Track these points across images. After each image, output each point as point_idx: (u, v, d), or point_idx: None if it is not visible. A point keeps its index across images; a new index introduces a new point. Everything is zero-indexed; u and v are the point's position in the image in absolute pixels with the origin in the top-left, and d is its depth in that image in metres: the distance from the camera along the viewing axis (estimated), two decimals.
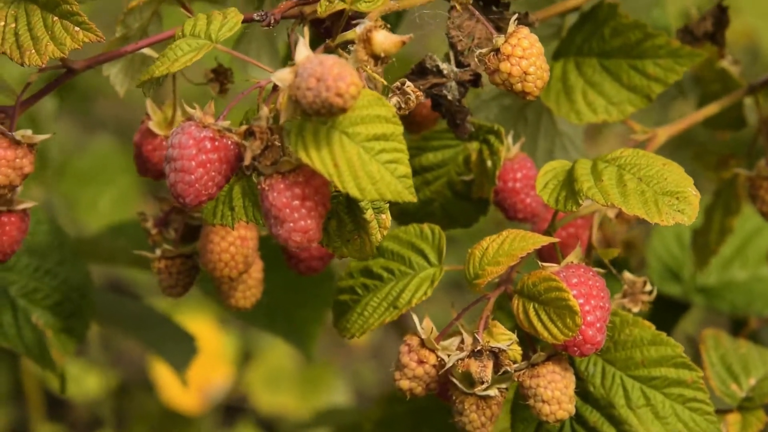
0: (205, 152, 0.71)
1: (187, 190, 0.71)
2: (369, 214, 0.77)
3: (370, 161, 0.70)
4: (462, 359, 0.82)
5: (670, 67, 0.94)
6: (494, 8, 0.85)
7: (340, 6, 0.76)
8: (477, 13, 0.84)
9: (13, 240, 0.81)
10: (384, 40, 0.72)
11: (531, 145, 1.05)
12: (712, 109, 1.01)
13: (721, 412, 0.93)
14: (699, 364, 0.87)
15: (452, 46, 0.85)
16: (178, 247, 0.92)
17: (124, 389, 2.34)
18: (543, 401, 0.83)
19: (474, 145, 0.94)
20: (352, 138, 0.70)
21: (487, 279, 0.83)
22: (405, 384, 0.84)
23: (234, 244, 0.89)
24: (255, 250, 0.91)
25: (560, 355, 0.84)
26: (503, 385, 0.83)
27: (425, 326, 0.84)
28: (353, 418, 1.56)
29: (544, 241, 0.83)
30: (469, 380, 0.82)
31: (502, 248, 0.83)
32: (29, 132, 0.78)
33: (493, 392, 0.82)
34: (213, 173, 0.71)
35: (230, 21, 0.75)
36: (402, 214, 0.97)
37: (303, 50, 0.69)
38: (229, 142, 0.72)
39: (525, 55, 0.80)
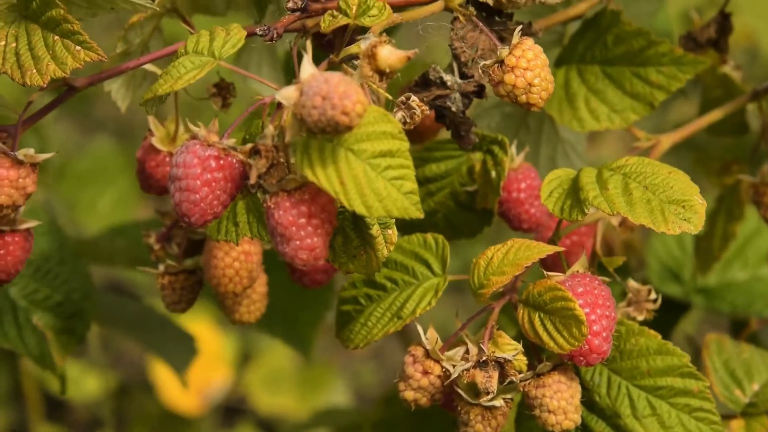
0: (210, 171, 0.71)
1: (192, 210, 0.71)
2: (375, 230, 0.76)
3: (377, 178, 0.70)
4: (467, 370, 0.82)
5: (673, 75, 0.94)
6: (497, 19, 0.85)
7: (343, 21, 0.75)
8: (480, 24, 0.83)
9: (17, 260, 0.81)
10: (389, 55, 0.72)
11: (533, 152, 1.05)
12: (715, 115, 1.01)
13: (725, 418, 0.94)
14: (700, 368, 0.87)
15: (456, 57, 0.85)
16: (181, 262, 0.91)
17: (124, 390, 2.34)
18: (549, 411, 0.83)
19: (478, 156, 0.94)
20: (358, 155, 0.70)
21: (492, 289, 0.83)
22: (410, 395, 0.84)
23: (238, 259, 0.88)
24: (259, 264, 0.91)
25: (566, 364, 0.84)
26: (509, 396, 0.83)
27: (430, 337, 0.84)
28: (353, 419, 1.56)
29: (549, 250, 0.83)
30: (475, 391, 0.82)
31: (507, 258, 0.83)
32: (31, 151, 0.77)
33: (498, 403, 0.82)
34: (218, 192, 0.71)
35: (233, 38, 0.74)
36: (405, 225, 0.96)
37: (308, 68, 0.69)
38: (234, 161, 0.72)
39: (530, 66, 0.80)
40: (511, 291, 0.86)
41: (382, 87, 0.74)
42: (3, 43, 0.75)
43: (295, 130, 0.70)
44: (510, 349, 0.83)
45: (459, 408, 0.83)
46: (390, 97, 0.77)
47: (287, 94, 0.69)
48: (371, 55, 0.72)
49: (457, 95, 0.85)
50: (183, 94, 0.88)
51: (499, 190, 0.92)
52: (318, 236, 0.70)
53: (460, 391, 0.82)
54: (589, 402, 0.86)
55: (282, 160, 0.71)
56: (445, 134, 0.93)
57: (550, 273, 0.84)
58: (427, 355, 0.84)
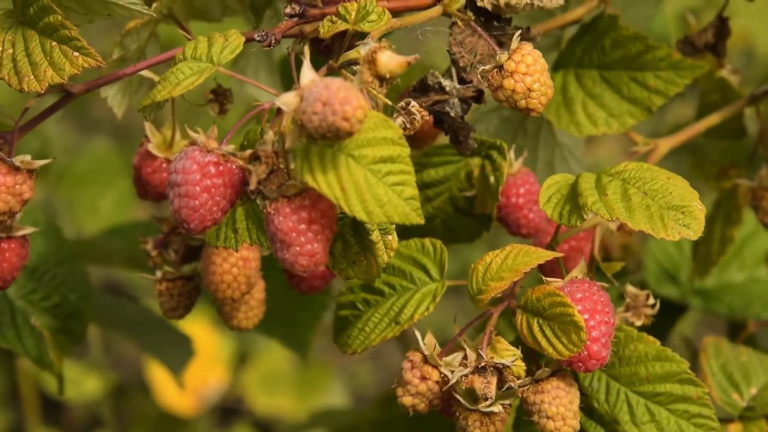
0: (209, 177, 0.70)
1: (191, 216, 0.70)
2: (375, 236, 0.76)
3: (377, 184, 0.69)
4: (465, 375, 0.82)
5: (670, 80, 0.93)
6: (496, 24, 0.84)
7: (342, 26, 0.75)
8: (479, 29, 0.83)
9: (13, 266, 0.80)
10: (389, 61, 0.71)
11: (531, 156, 1.05)
12: (713, 119, 1.00)
13: (723, 422, 0.93)
14: (698, 371, 0.87)
15: (454, 62, 0.85)
16: (178, 268, 0.91)
17: (121, 391, 2.33)
18: (547, 417, 0.83)
19: (476, 161, 0.94)
20: (359, 161, 0.69)
21: (490, 295, 0.82)
22: (408, 400, 0.84)
23: (236, 265, 0.88)
24: (257, 271, 0.91)
25: (564, 370, 0.83)
26: (507, 401, 0.82)
27: (428, 342, 0.84)
28: (350, 420, 1.56)
29: (548, 256, 0.83)
30: (473, 396, 0.82)
31: (505, 263, 0.83)
32: (28, 158, 0.77)
33: (496, 408, 0.82)
34: (218, 198, 0.71)
35: (232, 43, 0.74)
36: (403, 231, 0.96)
37: (308, 73, 0.69)
38: (234, 167, 0.71)
39: (529, 71, 0.80)
40: (510, 296, 0.86)
41: (381, 92, 0.73)
42: (0, 49, 0.74)
43: (295, 136, 0.69)
44: (508, 355, 0.82)
45: (457, 414, 0.83)
46: (390, 103, 0.76)
47: (287, 100, 0.69)
48: (371, 61, 0.72)
49: (456, 100, 0.85)
50: (180, 101, 0.88)
51: (498, 195, 0.92)
52: (318, 242, 0.70)
53: (458, 396, 0.82)
54: (587, 408, 0.86)
55: (282, 166, 0.71)
56: (443, 139, 0.93)
57: (548, 278, 0.83)
58: (425, 360, 0.84)
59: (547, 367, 0.84)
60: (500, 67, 0.81)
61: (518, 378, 0.83)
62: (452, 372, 0.82)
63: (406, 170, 0.70)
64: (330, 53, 0.81)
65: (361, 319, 0.87)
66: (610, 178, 0.83)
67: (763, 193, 1.00)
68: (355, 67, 0.74)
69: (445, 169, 0.95)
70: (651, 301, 0.91)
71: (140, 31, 0.84)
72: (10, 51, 0.74)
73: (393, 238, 0.77)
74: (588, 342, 0.80)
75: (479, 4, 0.83)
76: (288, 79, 0.77)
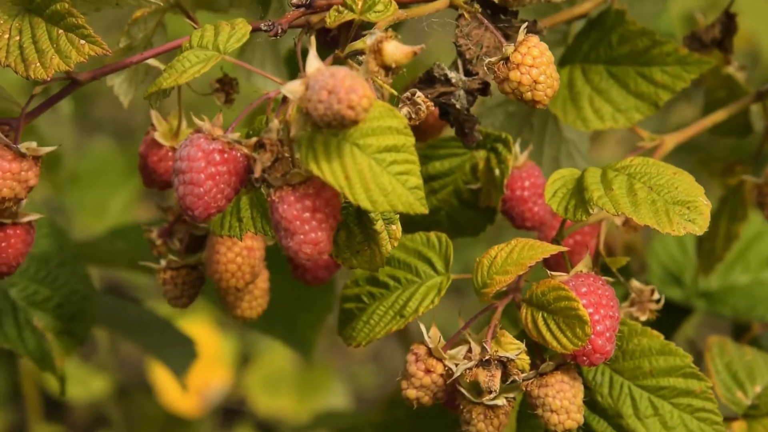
0: (214, 164, 0.70)
1: (196, 203, 0.71)
2: (379, 225, 0.76)
3: (382, 173, 0.69)
4: (470, 368, 0.82)
5: (677, 75, 0.93)
6: (503, 16, 0.84)
7: (349, 16, 0.75)
8: (486, 21, 0.83)
9: (18, 252, 0.80)
10: (395, 50, 0.72)
11: (536, 151, 1.05)
12: (719, 115, 1.00)
13: (727, 420, 0.93)
14: (703, 371, 0.87)
15: (460, 54, 0.85)
16: (182, 257, 0.91)
17: (123, 392, 2.33)
18: (551, 411, 0.82)
19: (481, 154, 0.93)
20: (363, 150, 0.69)
21: (495, 288, 0.82)
22: (412, 393, 0.84)
23: (240, 254, 0.88)
24: (261, 260, 0.91)
25: (569, 364, 0.83)
26: (511, 395, 0.82)
27: (432, 335, 0.84)
28: (353, 421, 1.56)
29: (553, 249, 0.82)
30: (477, 389, 0.82)
31: (510, 257, 0.82)
32: (34, 144, 0.77)
33: (501, 402, 0.81)
34: (222, 186, 0.71)
35: (238, 32, 0.74)
36: (408, 223, 0.96)
37: (314, 62, 0.69)
38: (239, 154, 0.71)
39: (535, 63, 0.80)
40: (515, 290, 0.86)
41: (387, 82, 0.73)
42: (7, 36, 0.74)
43: (301, 125, 0.69)
44: (513, 349, 0.82)
45: (461, 407, 0.83)
46: (395, 93, 0.76)
47: (293, 88, 0.69)
48: (377, 51, 0.72)
49: (462, 92, 0.85)
50: (186, 91, 0.88)
51: (503, 188, 0.92)
52: (322, 230, 0.70)
53: (462, 389, 0.82)
54: (591, 402, 0.86)
55: (287, 154, 0.71)
56: (449, 132, 0.93)
57: (553, 273, 0.83)
58: (430, 353, 0.83)
59: (551, 360, 0.83)
60: (506, 59, 0.81)
61: (522, 371, 0.83)
62: (456, 365, 0.82)
63: (410, 159, 0.70)
64: (336, 45, 0.81)
65: (366, 312, 0.87)
66: (616, 173, 0.83)
67: None
68: (360, 57, 0.74)
69: (451, 162, 0.95)
70: (656, 296, 0.91)
71: (147, 20, 0.84)
72: (17, 38, 0.74)
73: (397, 228, 0.76)
74: (592, 336, 0.80)
75: None
76: (294, 72, 0.77)
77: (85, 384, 2.20)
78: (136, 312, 1.41)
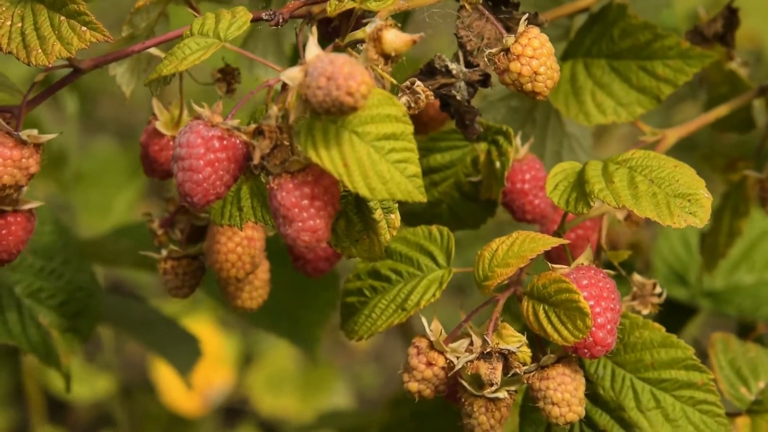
0: (213, 151, 0.70)
1: (195, 190, 0.71)
2: (378, 214, 0.76)
3: (380, 161, 0.69)
4: (471, 361, 0.81)
5: (679, 68, 0.93)
6: (504, 8, 0.84)
7: (349, 5, 0.75)
8: (487, 12, 0.83)
9: (19, 240, 0.81)
10: (394, 39, 0.72)
11: (539, 146, 1.05)
12: (721, 111, 1.00)
13: (731, 415, 0.93)
14: (707, 367, 0.87)
15: (461, 45, 0.85)
16: (184, 247, 0.91)
17: (126, 392, 2.33)
18: (553, 403, 0.82)
19: (482, 146, 0.93)
20: (362, 137, 0.69)
21: (496, 281, 0.82)
22: (414, 386, 0.84)
23: (241, 244, 0.88)
24: (262, 250, 0.91)
25: (570, 357, 0.83)
26: (512, 388, 0.82)
27: (434, 328, 0.84)
28: (357, 421, 1.56)
29: (554, 242, 0.82)
30: (478, 382, 0.82)
31: (511, 250, 0.82)
32: (35, 132, 0.77)
33: (502, 394, 0.81)
34: (221, 172, 0.71)
35: (239, 20, 0.74)
36: (409, 215, 0.96)
37: (313, 49, 0.69)
38: (238, 141, 0.71)
39: (535, 54, 0.80)
40: (516, 283, 0.86)
41: (386, 71, 0.73)
42: (9, 23, 0.75)
43: (300, 111, 0.69)
44: (514, 341, 0.82)
45: (463, 399, 0.83)
46: (395, 82, 0.76)
47: (292, 75, 0.69)
48: (376, 39, 0.72)
49: (462, 84, 0.85)
50: (189, 82, 0.88)
51: (504, 180, 0.92)
52: (320, 218, 0.70)
53: (463, 382, 0.82)
54: (593, 395, 0.85)
55: (286, 141, 0.71)
56: (450, 125, 0.93)
57: (554, 265, 0.83)
58: (431, 346, 0.83)
59: (552, 353, 0.83)
60: (507, 51, 0.81)
61: (524, 364, 0.82)
62: (458, 358, 0.82)
63: (409, 147, 0.70)
64: (338, 36, 0.81)
65: (368, 306, 0.87)
66: (617, 166, 0.83)
67: None
68: (361, 46, 0.74)
69: (452, 154, 0.95)
70: (658, 290, 0.91)
71: (150, 9, 0.84)
72: (19, 25, 0.74)
73: (396, 217, 0.76)
74: (593, 328, 0.80)
75: None
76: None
77: (89, 383, 2.20)
78: (141, 310, 1.41)
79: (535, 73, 0.80)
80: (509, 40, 0.81)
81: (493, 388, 0.81)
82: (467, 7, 0.84)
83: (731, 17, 1.01)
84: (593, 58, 0.97)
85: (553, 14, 0.97)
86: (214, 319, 2.32)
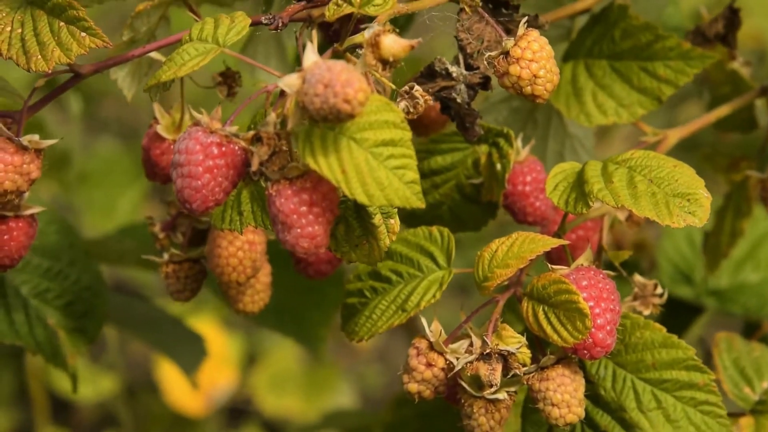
0: (212, 158, 0.71)
1: (193, 196, 0.71)
2: (377, 219, 0.76)
3: (378, 167, 0.69)
4: (471, 362, 0.82)
5: (680, 69, 0.93)
6: (504, 10, 0.84)
7: (348, 10, 0.75)
8: (486, 15, 0.83)
9: (20, 245, 0.81)
10: (392, 44, 0.72)
11: (540, 147, 1.05)
12: (723, 110, 1.00)
13: (734, 415, 0.93)
14: (711, 367, 0.87)
15: (461, 48, 0.85)
16: (185, 251, 0.92)
17: (129, 392, 2.34)
18: (552, 404, 0.82)
19: (483, 148, 0.94)
20: (360, 144, 0.69)
21: (496, 282, 0.82)
22: (413, 387, 0.84)
23: (242, 248, 0.88)
24: (263, 254, 0.91)
25: (570, 358, 0.83)
26: (512, 389, 0.82)
27: (434, 329, 0.84)
28: (361, 421, 1.56)
29: (554, 243, 0.82)
30: (478, 383, 0.82)
31: (511, 251, 0.82)
32: (36, 137, 0.77)
33: (502, 395, 0.81)
34: (220, 179, 0.71)
35: (238, 25, 0.74)
36: (410, 217, 0.96)
37: (311, 56, 0.69)
38: (237, 148, 0.72)
39: (535, 58, 0.80)
40: (516, 284, 0.86)
41: (385, 76, 0.73)
42: (9, 29, 0.75)
43: (298, 118, 0.70)
44: (514, 342, 0.82)
45: (462, 401, 0.83)
46: (394, 87, 0.76)
47: (290, 82, 0.69)
48: (375, 44, 0.72)
49: (463, 87, 0.85)
50: (191, 85, 0.88)
51: (504, 182, 0.92)
52: (319, 224, 0.70)
53: (463, 383, 0.82)
54: (594, 396, 0.86)
55: (284, 147, 0.71)
56: (451, 127, 0.93)
57: (554, 266, 0.83)
58: (431, 347, 0.83)
59: (552, 354, 0.83)
60: (506, 54, 0.81)
61: (524, 365, 0.83)
62: (457, 359, 0.82)
63: (407, 154, 0.70)
64: (338, 39, 0.81)
65: (369, 307, 0.87)
66: (617, 166, 0.83)
67: None
68: (359, 51, 0.74)
69: (453, 156, 0.95)
70: (659, 290, 0.91)
71: (151, 13, 0.84)
72: (19, 31, 0.75)
73: (395, 222, 0.77)
74: (593, 329, 0.80)
75: None
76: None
77: (93, 384, 2.21)
78: (145, 309, 1.42)
79: (535, 76, 0.80)
80: (508, 43, 0.81)
81: (493, 389, 0.81)
82: (467, 9, 0.84)
83: (732, 17, 1.01)
84: (594, 58, 0.97)
85: (554, 15, 0.97)
86: (218, 318, 2.32)
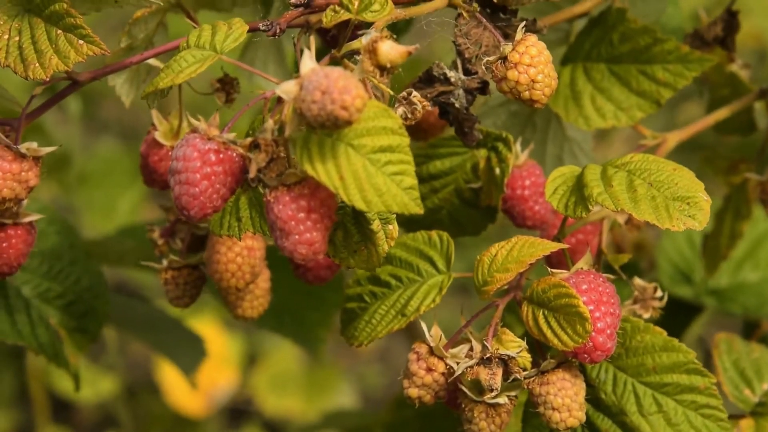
0: (209, 165, 0.71)
1: (191, 203, 0.71)
2: (376, 225, 0.76)
3: (376, 173, 0.69)
4: (471, 367, 0.82)
5: (679, 72, 0.93)
6: (502, 15, 0.84)
7: (345, 16, 0.75)
8: (484, 20, 0.83)
9: (19, 253, 0.81)
10: (390, 50, 0.72)
11: (540, 150, 1.05)
12: (722, 113, 1.00)
13: (734, 417, 0.93)
14: (711, 369, 0.87)
15: (459, 53, 0.85)
16: (184, 257, 0.92)
17: (130, 392, 2.34)
18: (553, 409, 0.82)
19: (482, 153, 0.93)
20: (358, 150, 0.69)
21: (496, 286, 0.82)
22: (414, 392, 0.84)
23: (241, 254, 0.88)
24: (262, 260, 0.91)
25: (570, 362, 0.83)
26: (513, 393, 0.82)
27: (434, 334, 0.84)
28: (361, 421, 1.56)
29: (554, 247, 0.82)
30: (479, 388, 0.82)
31: (511, 255, 0.82)
32: (34, 145, 0.77)
33: (502, 400, 0.81)
34: (218, 186, 0.71)
35: (235, 32, 0.74)
36: (410, 221, 0.96)
37: (308, 62, 0.69)
38: (234, 155, 0.72)
39: (533, 63, 0.80)
40: (516, 288, 0.86)
41: (383, 82, 0.73)
42: (6, 36, 0.75)
43: (295, 125, 0.70)
44: (514, 347, 0.82)
45: (463, 405, 0.83)
46: (391, 93, 0.76)
47: (287, 89, 0.69)
48: (372, 50, 0.72)
49: (461, 91, 0.85)
50: (189, 91, 0.88)
51: (503, 186, 0.92)
52: (317, 231, 0.70)
53: (463, 388, 0.82)
54: (594, 400, 0.86)
55: (282, 154, 0.71)
56: (450, 132, 0.93)
57: (554, 270, 0.83)
58: (431, 352, 0.83)
59: (553, 358, 0.83)
60: (504, 59, 0.81)
61: (524, 369, 0.82)
62: (458, 363, 0.82)
63: (405, 160, 0.70)
64: (336, 44, 0.81)
65: (368, 312, 0.87)
66: (616, 170, 0.82)
67: None
68: (357, 57, 0.74)
69: (452, 161, 0.95)
70: (659, 293, 0.91)
71: (148, 20, 0.84)
72: (17, 38, 0.75)
73: (394, 228, 0.77)
74: (593, 333, 0.80)
75: None
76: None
77: (93, 384, 2.21)
78: (145, 310, 1.42)
79: (533, 81, 0.80)
80: (506, 48, 0.80)
81: (493, 394, 0.81)
82: (465, 14, 0.83)
83: (731, 20, 1.01)
84: (593, 62, 0.97)
85: (553, 19, 0.97)
86: (218, 319, 2.32)
